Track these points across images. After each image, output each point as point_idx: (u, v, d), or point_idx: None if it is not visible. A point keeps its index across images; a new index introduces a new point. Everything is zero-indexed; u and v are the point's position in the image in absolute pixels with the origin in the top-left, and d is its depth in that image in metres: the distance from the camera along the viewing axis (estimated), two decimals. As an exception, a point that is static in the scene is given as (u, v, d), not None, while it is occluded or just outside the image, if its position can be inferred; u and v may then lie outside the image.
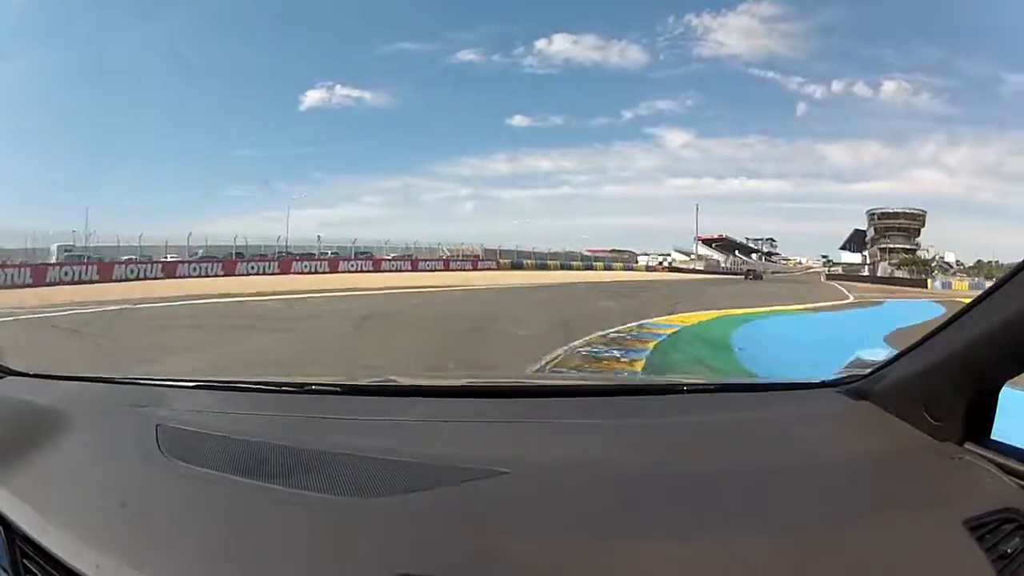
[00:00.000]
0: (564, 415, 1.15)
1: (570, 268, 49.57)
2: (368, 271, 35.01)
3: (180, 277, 26.58)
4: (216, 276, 27.87)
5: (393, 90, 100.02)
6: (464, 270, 39.72)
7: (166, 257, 31.26)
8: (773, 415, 1.15)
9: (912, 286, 44.32)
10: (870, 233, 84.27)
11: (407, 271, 36.57)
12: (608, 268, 55.01)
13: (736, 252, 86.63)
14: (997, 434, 0.91)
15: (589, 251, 63.02)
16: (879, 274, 66.25)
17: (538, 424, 1.10)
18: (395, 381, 1.44)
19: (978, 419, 0.90)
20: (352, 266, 35.53)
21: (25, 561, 0.82)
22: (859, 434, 1.03)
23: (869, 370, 1.11)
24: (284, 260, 33.53)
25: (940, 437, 0.91)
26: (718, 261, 77.30)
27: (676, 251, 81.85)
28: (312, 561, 0.71)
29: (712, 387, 1.30)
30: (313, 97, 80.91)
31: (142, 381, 1.43)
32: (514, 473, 0.84)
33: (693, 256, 77.56)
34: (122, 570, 0.73)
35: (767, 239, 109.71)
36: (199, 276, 27.31)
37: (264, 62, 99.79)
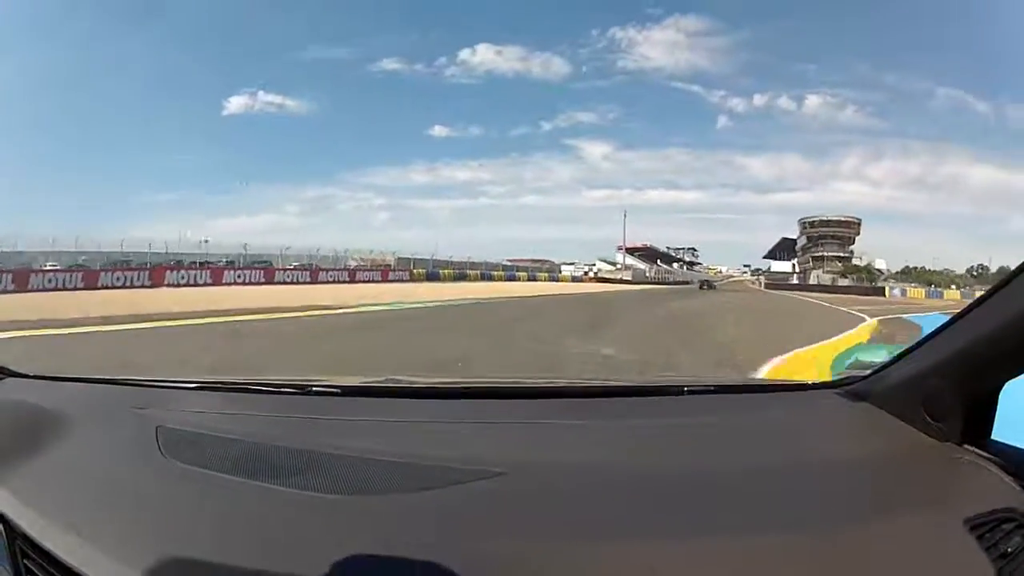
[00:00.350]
0: (563, 416, 1.14)
1: (490, 279, 46.91)
2: (258, 283, 30.82)
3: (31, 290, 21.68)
4: (69, 289, 22.72)
5: (315, 97, 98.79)
6: (373, 281, 36.16)
7: (43, 264, 27.74)
8: (773, 416, 1.15)
9: (870, 294, 43.24)
10: (801, 241, 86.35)
11: (305, 283, 32.58)
12: (532, 278, 52.84)
13: (658, 261, 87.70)
14: (997, 434, 0.91)
15: (510, 261, 61.02)
16: (811, 282, 67.64)
17: (537, 425, 1.10)
18: (395, 382, 1.41)
19: (978, 420, 0.90)
20: (240, 276, 31.14)
21: (26, 562, 0.82)
22: (859, 435, 1.04)
23: (869, 371, 1.12)
24: (156, 269, 28.70)
25: (940, 437, 0.92)
26: (643, 271, 77.30)
27: (601, 261, 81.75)
28: (312, 561, 0.71)
29: (712, 388, 1.30)
30: (236, 103, 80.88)
31: (142, 382, 1.43)
32: (512, 474, 0.85)
33: (619, 266, 77.33)
34: (122, 571, 0.74)
35: (689, 248, 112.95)
36: (42, 289, 22.23)
37: (187, 66, 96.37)
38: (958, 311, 0.90)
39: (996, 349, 0.82)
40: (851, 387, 1.14)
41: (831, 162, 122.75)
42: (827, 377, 1.25)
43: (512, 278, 50.24)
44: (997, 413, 0.91)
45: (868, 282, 59.47)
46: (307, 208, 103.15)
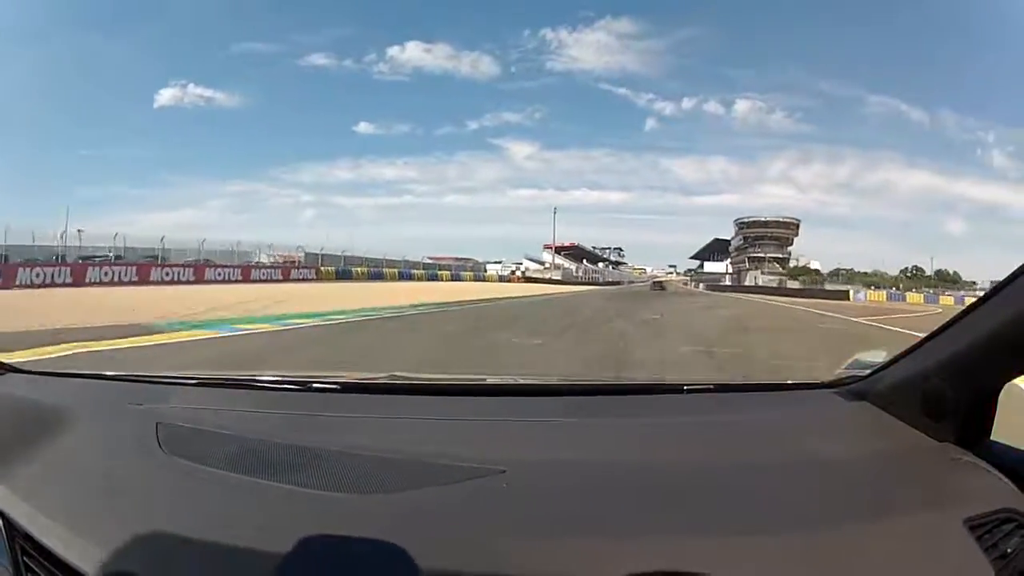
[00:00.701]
0: (563, 415, 1.14)
1: (410, 278, 43.57)
2: (129, 283, 25.80)
3: None
4: None
5: (244, 91, 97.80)
6: (270, 281, 31.85)
7: None
8: (773, 416, 1.14)
9: (834, 298, 39.29)
10: (736, 242, 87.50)
11: (185, 282, 27.82)
12: (456, 278, 49.91)
13: (584, 261, 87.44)
14: (997, 435, 0.92)
15: (432, 258, 57.77)
16: (747, 283, 67.58)
17: (537, 423, 1.09)
18: (395, 379, 1.41)
19: (978, 420, 0.91)
20: (108, 275, 25.97)
21: (25, 559, 0.82)
22: (859, 435, 1.03)
23: (869, 371, 1.12)
24: (8, 267, 22.91)
25: (940, 438, 0.92)
26: (571, 270, 76.12)
27: (528, 260, 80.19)
28: (311, 558, 0.72)
29: (712, 387, 1.29)
30: (166, 96, 78.98)
31: (142, 378, 1.43)
32: (511, 472, 0.85)
33: (547, 265, 75.94)
34: (122, 567, 0.74)
35: (615, 248, 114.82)
36: None
37: (116, 57, 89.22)
38: (956, 314, 0.89)
39: (996, 350, 0.83)
40: (851, 387, 1.15)
41: (759, 166, 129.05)
42: (827, 377, 1.25)
43: (434, 277, 47.06)
44: (997, 414, 0.91)
45: (817, 284, 57.95)
46: (234, 204, 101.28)
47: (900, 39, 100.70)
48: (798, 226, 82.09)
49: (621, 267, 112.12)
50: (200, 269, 30.16)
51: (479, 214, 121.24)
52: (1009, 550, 0.73)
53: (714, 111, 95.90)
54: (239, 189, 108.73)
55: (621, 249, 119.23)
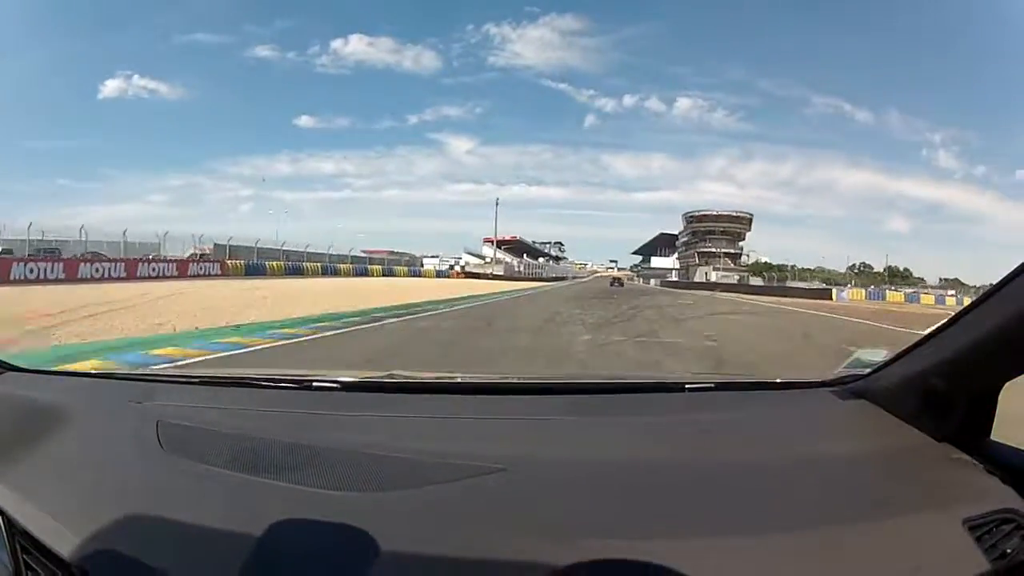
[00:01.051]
0: (564, 413, 1.14)
1: (336, 273, 39.27)
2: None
3: None
4: None
5: (189, 83, 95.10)
6: (162, 277, 26.98)
7: None
8: (773, 414, 1.15)
9: (819, 297, 36.41)
10: (684, 237, 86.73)
11: (49, 281, 22.74)
12: (389, 273, 45.93)
13: (525, 255, 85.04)
14: (996, 435, 0.92)
15: (366, 252, 53.57)
16: (697, 279, 65.74)
17: (537, 421, 1.10)
18: (396, 378, 1.40)
19: (977, 420, 0.91)
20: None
21: (25, 557, 0.82)
22: (859, 434, 1.03)
23: (869, 370, 1.13)
24: None
25: (939, 437, 0.92)
26: (513, 265, 73.18)
27: (468, 254, 77.02)
28: (311, 556, 0.72)
29: (713, 386, 1.29)
30: (111, 87, 77.51)
31: (142, 377, 1.44)
32: (512, 470, 0.85)
33: (488, 259, 72.93)
34: (122, 565, 0.74)
35: (555, 242, 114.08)
36: None
37: (62, 46, 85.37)
38: (956, 314, 0.89)
39: (996, 349, 0.82)
40: (851, 386, 1.14)
41: (699, 163, 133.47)
42: (827, 376, 1.24)
43: (364, 273, 42.75)
44: (996, 413, 0.90)
45: (778, 281, 56.05)
46: (176, 197, 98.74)
47: (842, 39, 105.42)
48: (751, 221, 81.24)
49: (562, 262, 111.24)
50: (73, 265, 24.94)
51: (418, 208, 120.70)
52: (1008, 550, 0.72)
53: (655, 108, 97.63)
54: (180, 183, 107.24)
55: (562, 244, 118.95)
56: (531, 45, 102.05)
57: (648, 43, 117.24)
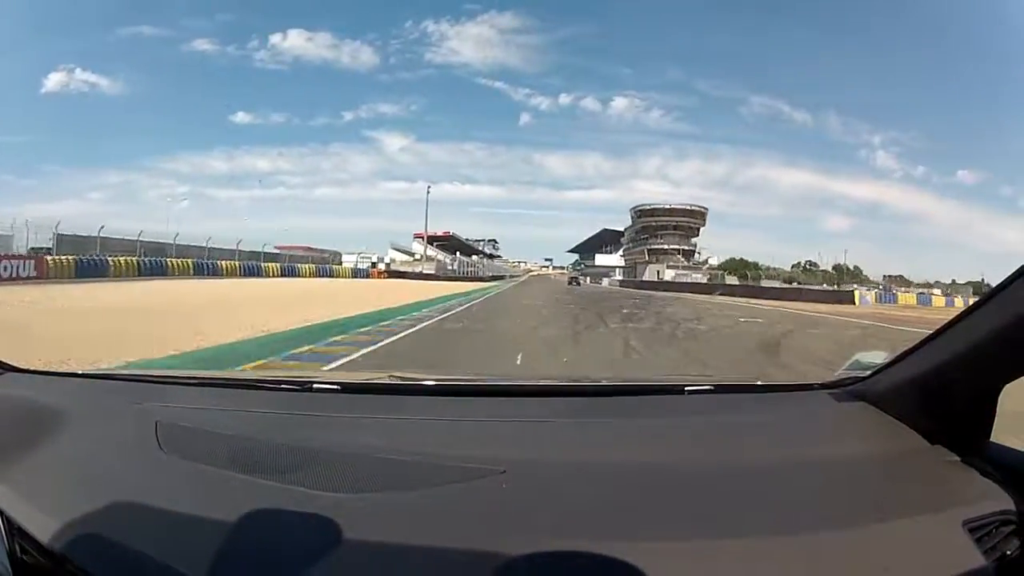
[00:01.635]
0: (563, 415, 1.14)
1: (214, 273, 30.75)
2: None
3: None
4: None
5: (129, 77, 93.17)
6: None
7: None
8: (773, 416, 1.14)
9: (833, 301, 29.24)
10: (631, 233, 79.02)
11: None
12: (291, 272, 37.79)
13: (458, 253, 78.13)
14: (996, 437, 0.92)
15: (281, 247, 45.22)
16: (646, 277, 59.85)
17: (537, 424, 1.09)
18: (395, 380, 1.41)
19: (977, 422, 0.91)
20: None
21: (24, 556, 0.82)
22: (859, 436, 1.03)
23: (869, 372, 1.13)
24: None
25: (939, 439, 0.92)
26: (446, 263, 66.00)
27: (395, 250, 69.42)
28: (310, 557, 0.72)
29: (712, 388, 1.28)
30: (54, 81, 74.54)
31: (142, 377, 1.43)
32: (510, 472, 0.85)
33: (418, 256, 65.57)
34: (121, 565, 0.74)
35: (489, 240, 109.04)
36: None
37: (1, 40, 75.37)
38: (955, 317, 0.89)
39: (995, 352, 0.82)
40: (851, 388, 1.14)
41: (633, 162, 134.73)
42: (827, 378, 1.23)
43: (255, 272, 34.03)
44: (996, 416, 0.91)
45: (752, 280, 50.01)
46: (113, 195, 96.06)
47: (779, 40, 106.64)
48: (705, 215, 74.68)
49: (496, 260, 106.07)
50: None
51: (351, 206, 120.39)
52: (1008, 552, 0.73)
53: (591, 107, 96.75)
54: (118, 180, 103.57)
55: (496, 241, 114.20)
56: (469, 42, 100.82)
57: (586, 42, 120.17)
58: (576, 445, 1.00)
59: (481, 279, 54.92)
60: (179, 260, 29.63)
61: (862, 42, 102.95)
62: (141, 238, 29.87)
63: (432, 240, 69.57)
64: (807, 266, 68.97)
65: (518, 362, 7.18)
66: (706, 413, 1.14)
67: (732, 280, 53.20)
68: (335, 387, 1.25)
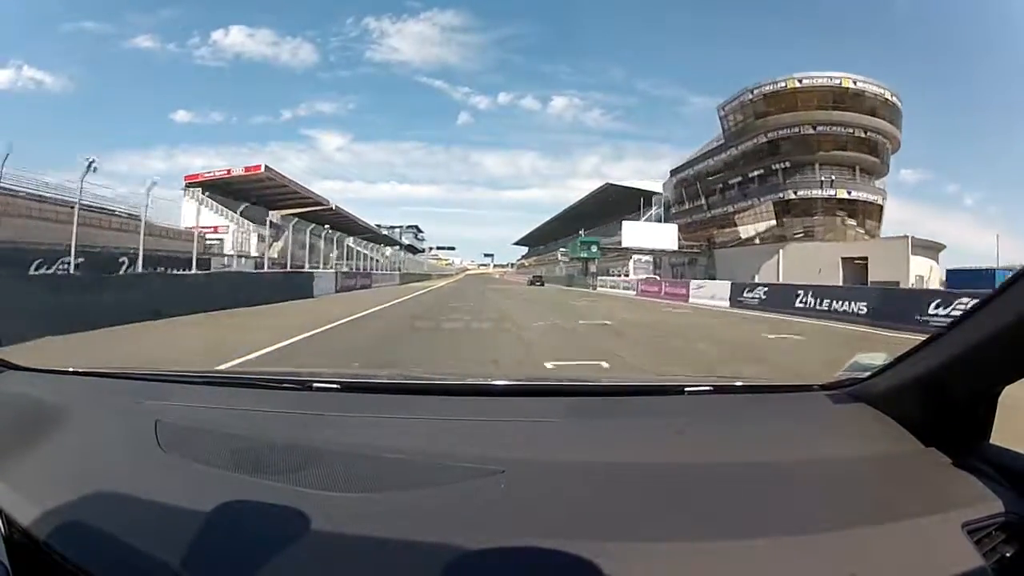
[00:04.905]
0: (563, 415, 1.14)
1: None
2: None
3: None
4: None
5: (72, 74, 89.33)
6: None
7: None
8: (772, 417, 1.14)
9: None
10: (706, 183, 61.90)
11: None
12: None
13: (351, 240, 60.46)
14: (996, 439, 0.91)
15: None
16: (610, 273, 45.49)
17: (536, 424, 1.09)
18: (395, 379, 1.42)
19: (977, 424, 0.91)
20: None
21: (23, 555, 0.81)
22: (858, 437, 1.02)
23: (868, 373, 1.11)
24: None
25: (939, 441, 0.92)
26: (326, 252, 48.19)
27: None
28: (310, 557, 0.71)
29: (712, 388, 1.28)
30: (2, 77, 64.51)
31: (142, 376, 1.42)
32: (510, 472, 0.85)
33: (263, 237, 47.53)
34: (120, 565, 0.74)
35: (409, 226, 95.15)
36: None
37: None
38: (956, 317, 0.87)
39: (996, 353, 0.81)
40: (850, 389, 1.13)
41: (571, 161, 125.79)
42: (826, 379, 1.22)
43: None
44: (996, 417, 0.90)
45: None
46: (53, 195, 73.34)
47: (720, 39, 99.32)
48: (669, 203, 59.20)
49: (419, 255, 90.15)
50: None
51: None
52: (1008, 555, 0.72)
53: (530, 107, 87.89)
54: (54, 180, 76.85)
55: (419, 228, 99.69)
56: (410, 40, 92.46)
57: (527, 41, 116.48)
58: (576, 445, 0.99)
59: (392, 281, 34.88)
60: None
61: (798, 41, 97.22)
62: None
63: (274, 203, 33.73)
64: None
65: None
66: (705, 413, 1.14)
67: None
68: (335, 386, 1.25)
